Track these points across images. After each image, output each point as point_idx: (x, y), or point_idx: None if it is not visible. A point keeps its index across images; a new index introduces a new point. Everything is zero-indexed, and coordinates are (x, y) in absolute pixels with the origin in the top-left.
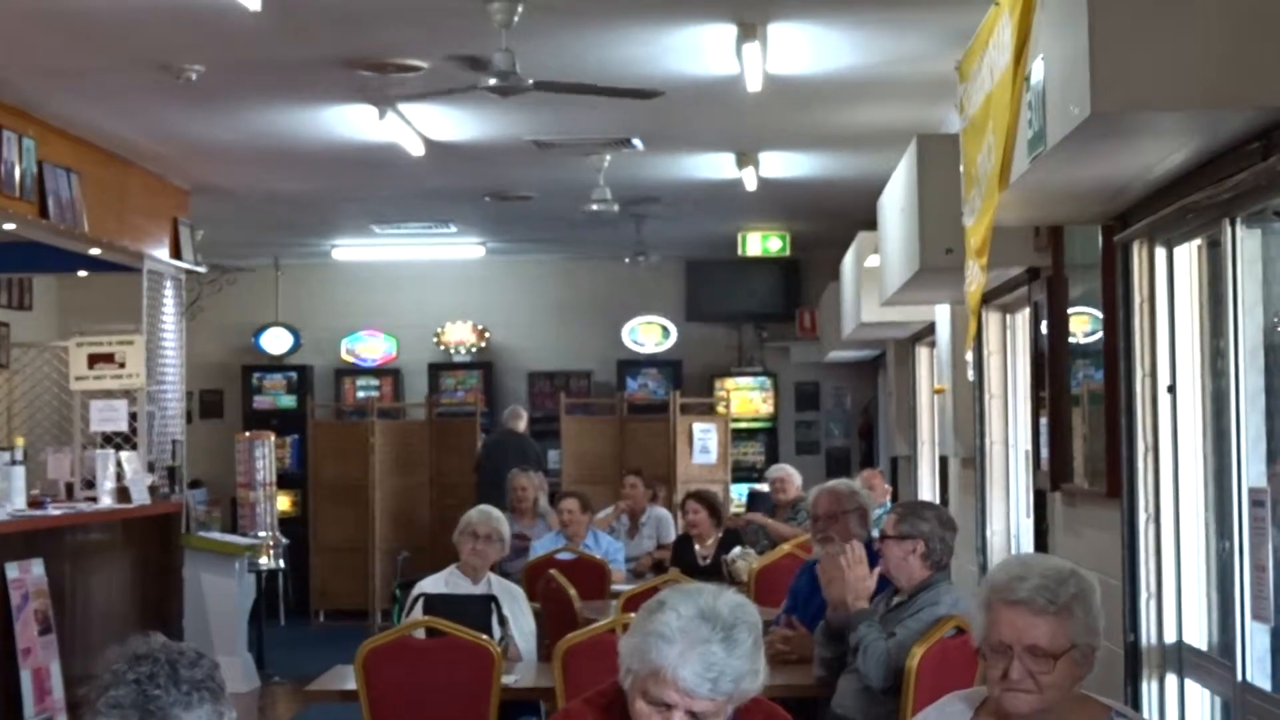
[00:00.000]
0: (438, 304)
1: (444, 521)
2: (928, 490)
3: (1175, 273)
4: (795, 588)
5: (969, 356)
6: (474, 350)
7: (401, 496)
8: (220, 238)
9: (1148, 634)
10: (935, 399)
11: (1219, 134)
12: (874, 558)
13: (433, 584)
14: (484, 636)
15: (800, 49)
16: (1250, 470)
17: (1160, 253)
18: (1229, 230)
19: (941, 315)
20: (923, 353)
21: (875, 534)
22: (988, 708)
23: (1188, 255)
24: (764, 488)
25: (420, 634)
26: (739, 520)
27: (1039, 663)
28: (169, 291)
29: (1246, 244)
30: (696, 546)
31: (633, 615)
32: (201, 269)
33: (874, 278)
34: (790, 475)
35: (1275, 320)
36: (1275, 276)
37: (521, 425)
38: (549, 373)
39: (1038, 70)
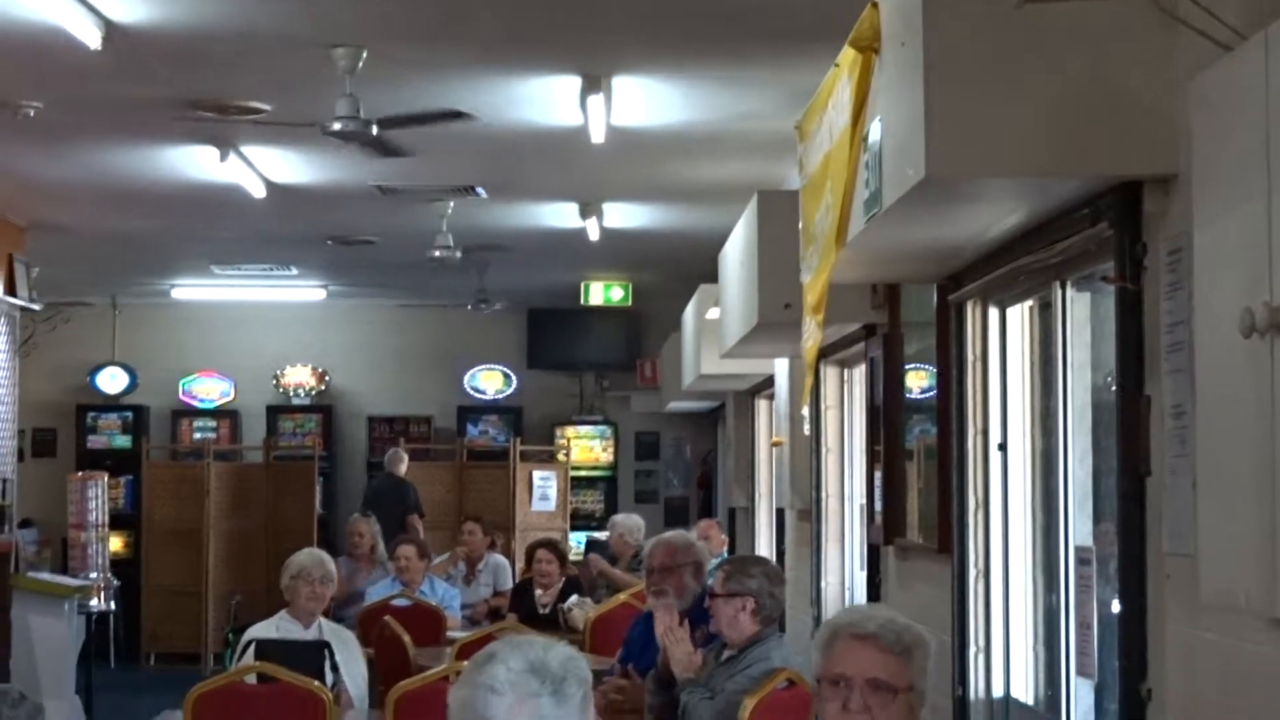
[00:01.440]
0: (278, 346)
1: (279, 567)
2: (765, 541)
3: (1007, 332)
4: (630, 637)
5: (805, 410)
6: (314, 393)
7: (237, 540)
8: (57, 275)
9: (976, 688)
10: (773, 451)
11: (1050, 200)
12: (704, 613)
13: (264, 629)
14: (316, 683)
15: (643, 103)
16: (1077, 528)
17: (993, 313)
18: (1059, 293)
19: (780, 369)
20: (762, 405)
21: (710, 584)
22: None
23: (1020, 316)
24: (602, 536)
25: (252, 680)
26: (585, 569)
27: (878, 696)
28: (2, 328)
29: (1076, 306)
30: (538, 593)
31: (465, 663)
32: (36, 306)
33: (714, 330)
34: (632, 526)
35: (1104, 381)
36: (1103, 338)
37: (402, 469)
38: (389, 417)
39: (875, 131)
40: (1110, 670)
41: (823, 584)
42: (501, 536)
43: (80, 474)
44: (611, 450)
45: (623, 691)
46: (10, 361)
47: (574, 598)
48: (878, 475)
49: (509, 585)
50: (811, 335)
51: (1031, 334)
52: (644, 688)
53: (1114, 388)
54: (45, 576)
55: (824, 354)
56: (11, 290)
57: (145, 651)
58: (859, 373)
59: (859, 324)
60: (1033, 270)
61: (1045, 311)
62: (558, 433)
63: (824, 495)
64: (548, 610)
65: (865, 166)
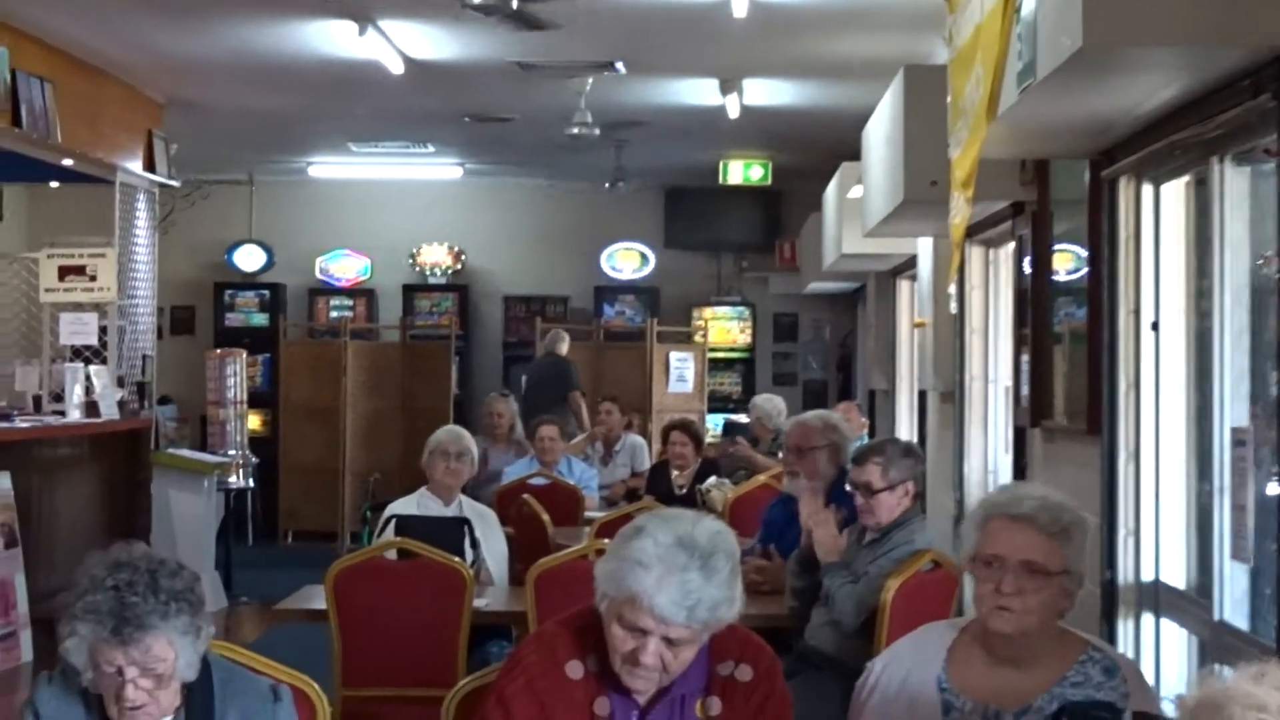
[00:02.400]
0: (414, 225)
1: (415, 446)
2: (905, 425)
3: (1161, 210)
4: (769, 519)
5: (951, 290)
6: (449, 273)
7: (373, 419)
8: (194, 152)
9: (1125, 572)
10: (915, 333)
11: (1210, 70)
12: (845, 494)
13: (404, 505)
14: (456, 559)
15: None
16: (1232, 410)
17: (1147, 189)
18: (1217, 168)
19: (924, 248)
20: (904, 286)
21: (849, 467)
22: (970, 632)
23: (1175, 193)
24: (741, 418)
25: (391, 555)
26: (722, 448)
27: (1032, 579)
28: (141, 205)
29: (1234, 182)
30: (674, 474)
31: (606, 542)
32: (175, 183)
33: (856, 209)
34: (772, 406)
35: (1260, 260)
36: (1262, 216)
37: (564, 349)
38: (525, 297)
39: (1029, 1)
40: (1265, 554)
41: (965, 468)
42: (638, 418)
43: (218, 351)
44: (749, 332)
45: (763, 572)
46: (150, 238)
47: (712, 479)
48: (1024, 357)
49: (645, 466)
50: (959, 212)
51: (1187, 211)
52: (784, 568)
53: (1275, 269)
54: (184, 453)
55: (970, 232)
56: (150, 167)
57: (282, 528)
58: (1005, 252)
59: (1007, 201)
60: (1189, 145)
61: (1201, 188)
62: (695, 314)
63: (968, 378)
64: (684, 491)
65: (1018, 37)
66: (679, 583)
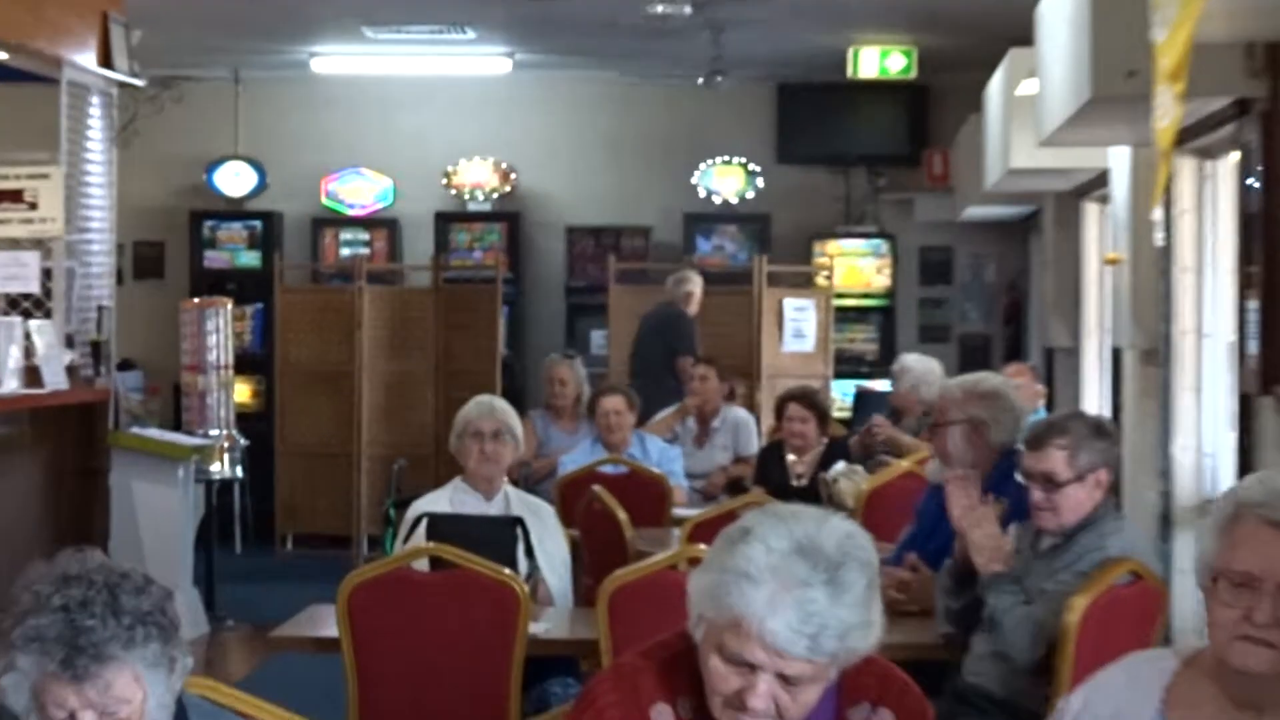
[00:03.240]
0: (449, 135)
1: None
2: (1094, 392)
3: None
4: (919, 512)
5: (1155, 216)
6: (495, 197)
7: (397, 387)
8: (164, 41)
9: None
10: (1107, 272)
11: None
12: (1008, 483)
13: (436, 501)
14: (506, 571)
15: None
16: None
17: None
18: None
19: (1119, 161)
20: (1091, 211)
21: (1019, 447)
22: (1199, 666)
23: None
24: (880, 386)
25: (422, 565)
26: (869, 433)
27: None
28: (96, 110)
29: None
30: (791, 459)
31: (703, 548)
32: (139, 81)
33: (1029, 110)
34: (926, 369)
35: None
36: None
37: (690, 294)
38: (594, 228)
39: None
40: None
41: (1173, 449)
42: (743, 385)
43: (196, 301)
44: (889, 272)
45: (905, 589)
46: (107, 154)
47: (839, 465)
48: (1252, 303)
49: (753, 449)
50: (1167, 112)
51: None
52: (934, 583)
53: None
54: (153, 434)
55: (1181, 139)
56: (107, 61)
57: (281, 532)
58: (1226, 165)
59: (1229, 98)
60: None
61: None
62: (817, 248)
63: (1177, 331)
64: (804, 482)
65: None
66: (798, 602)
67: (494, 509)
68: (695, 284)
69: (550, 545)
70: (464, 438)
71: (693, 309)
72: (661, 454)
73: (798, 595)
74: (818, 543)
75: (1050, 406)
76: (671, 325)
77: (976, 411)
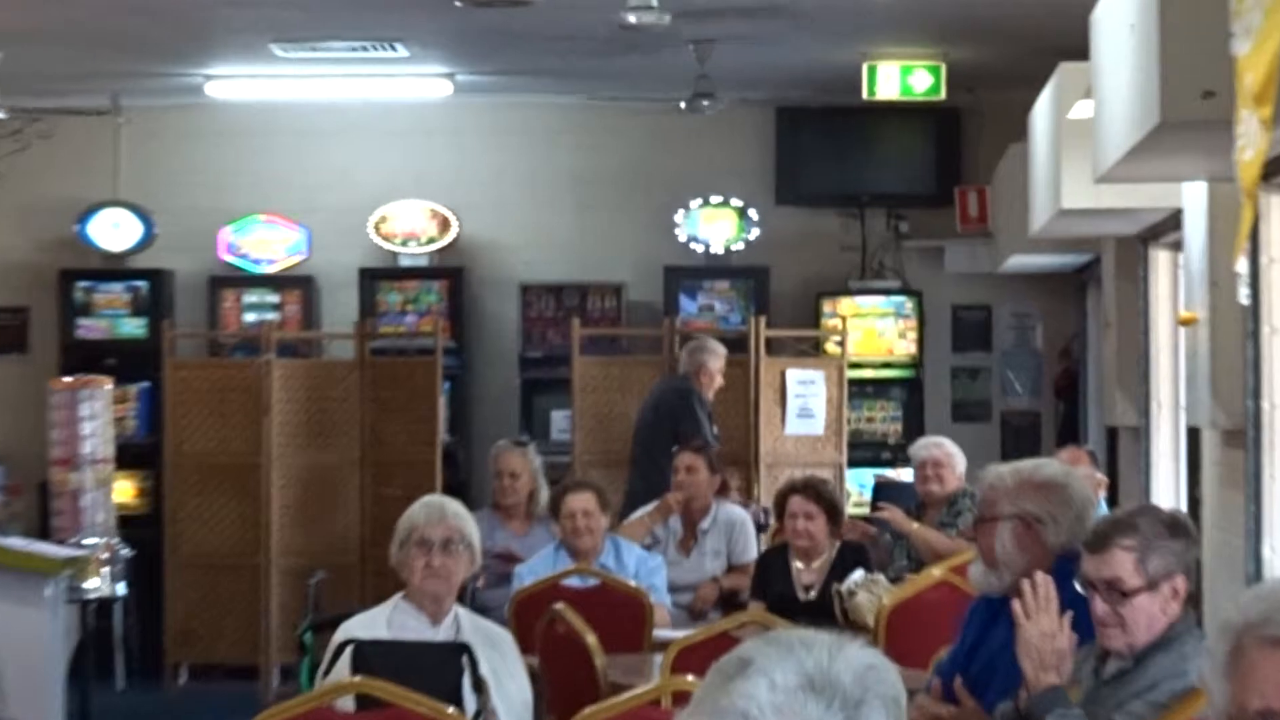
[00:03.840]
0: (376, 173)
1: (383, 523)
2: (1167, 480)
3: None
4: (962, 632)
5: (1239, 267)
6: (434, 249)
7: (315, 483)
8: (30, 64)
9: None
10: (1182, 335)
11: None
12: (1068, 595)
13: (367, 625)
14: (451, 710)
15: None
16: None
17: None
18: None
19: (1194, 199)
20: (1161, 260)
21: (1077, 549)
22: None
23: None
24: (901, 476)
25: (347, 705)
26: (869, 525)
27: None
28: None
29: None
30: (798, 567)
31: (692, 679)
32: None
33: (1084, 138)
34: (949, 455)
35: None
36: None
37: (709, 367)
38: (554, 286)
39: None
40: None
41: (1264, 549)
42: (737, 476)
43: (68, 380)
44: (914, 336)
45: None
46: None
47: (857, 574)
48: None
49: (751, 554)
50: (1251, 141)
51: None
52: (978, 718)
53: None
54: (15, 544)
55: (1268, 173)
56: None
57: (173, 661)
58: None
59: None
60: None
61: None
62: (826, 308)
63: (1267, 405)
64: (814, 594)
65: None
66: None
67: (441, 635)
68: (715, 356)
69: (508, 682)
70: (408, 547)
71: (709, 386)
72: (640, 563)
73: None
74: (832, 676)
75: (1114, 499)
76: (677, 404)
77: (1030, 506)
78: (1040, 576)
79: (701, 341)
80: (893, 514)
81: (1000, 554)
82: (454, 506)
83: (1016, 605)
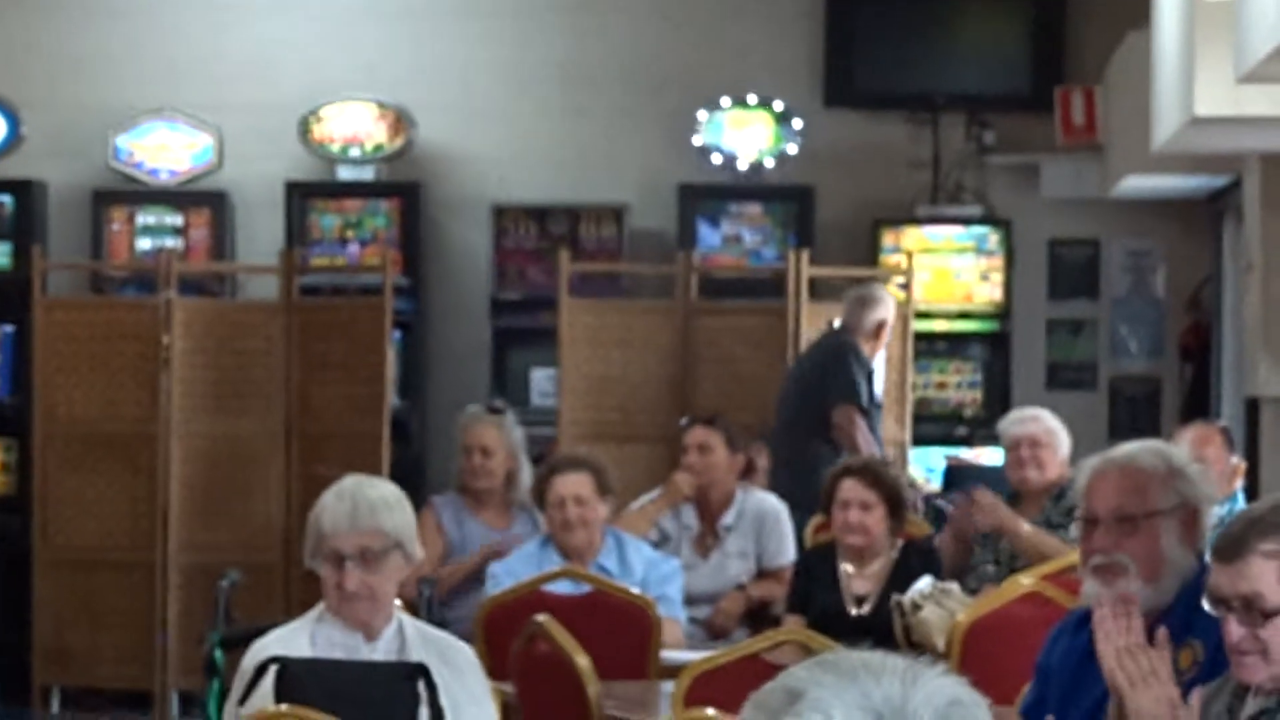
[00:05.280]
0: (309, 62)
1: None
2: None
3: None
4: (1043, 664)
5: None
6: (383, 159)
7: (227, 459)
8: None
9: None
10: None
11: None
12: (1197, 616)
13: (286, 643)
14: None
15: None
16: None
17: None
18: None
19: None
20: None
21: (1205, 559)
22: None
23: None
24: (979, 458)
25: None
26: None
27: None
28: None
29: None
30: (847, 571)
31: (713, 715)
32: None
33: (1224, 25)
34: (1050, 432)
35: None
36: None
37: (869, 319)
38: (537, 208)
39: None
40: None
41: None
42: (769, 457)
43: None
44: (1000, 279)
45: None
46: None
47: (924, 582)
48: None
49: (788, 556)
50: None
51: None
52: None
53: None
54: None
55: None
56: None
57: (42, 684)
58: None
59: None
60: None
61: None
62: (887, 240)
63: None
64: (868, 608)
65: None
66: None
67: (380, 652)
68: (887, 308)
69: (470, 709)
70: (318, 558)
71: (875, 345)
72: (650, 567)
73: None
74: (908, 714)
75: (1253, 490)
76: (830, 362)
77: (1190, 491)
78: (1161, 634)
79: (869, 290)
80: (993, 504)
81: (1170, 556)
82: (371, 497)
83: (1111, 660)
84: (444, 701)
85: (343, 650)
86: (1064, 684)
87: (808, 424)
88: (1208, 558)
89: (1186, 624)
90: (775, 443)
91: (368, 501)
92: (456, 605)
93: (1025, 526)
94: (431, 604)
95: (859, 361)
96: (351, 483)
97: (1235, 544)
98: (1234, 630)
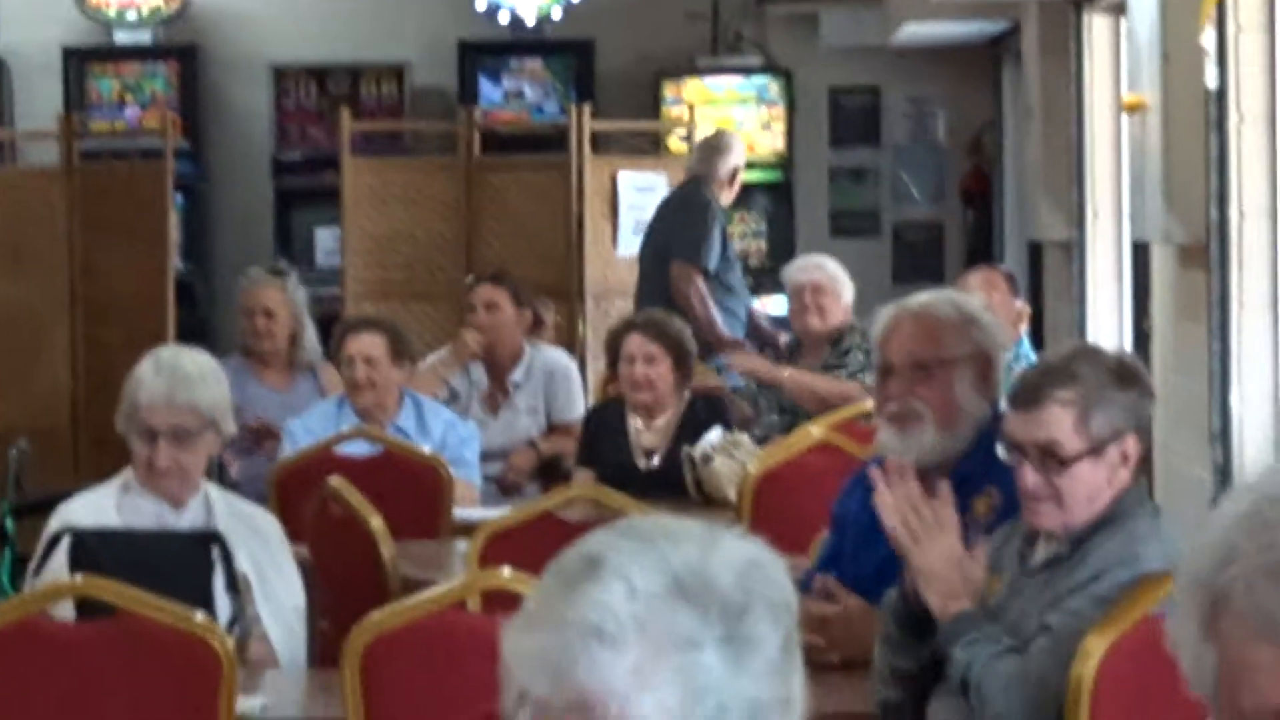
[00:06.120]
0: None
1: (102, 375)
2: (1107, 313)
3: None
4: (839, 514)
5: (1204, 41)
6: (160, 20)
7: (8, 325)
8: None
9: None
10: (1125, 125)
11: None
12: (991, 466)
13: (92, 510)
14: (200, 616)
15: None
16: None
17: None
18: None
19: None
20: (1100, 28)
21: (1002, 408)
22: None
23: None
24: (767, 306)
25: (66, 611)
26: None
27: None
28: None
29: None
30: (636, 425)
31: (509, 574)
32: None
33: None
34: (832, 279)
35: None
36: None
37: (723, 165)
38: (317, 68)
39: None
40: None
41: (1232, 398)
42: (557, 309)
43: None
44: (781, 128)
45: (826, 628)
46: None
47: (713, 434)
48: None
49: (578, 411)
50: None
51: None
52: (866, 615)
53: None
54: None
55: None
56: None
57: None
58: None
59: None
60: None
61: None
62: (669, 92)
63: (1234, 215)
64: (657, 461)
65: None
66: (681, 673)
67: (186, 521)
68: (736, 153)
69: (276, 579)
70: (130, 430)
71: (730, 194)
72: (449, 429)
73: (681, 662)
74: (708, 577)
75: (1038, 336)
76: (674, 215)
77: (982, 343)
78: (944, 486)
79: (719, 137)
80: (748, 362)
81: (965, 403)
82: (190, 372)
83: (892, 521)
84: (247, 568)
85: (150, 519)
86: (860, 535)
87: (654, 284)
88: (1003, 405)
89: (983, 471)
90: (635, 303)
91: (185, 377)
92: (246, 471)
93: (785, 373)
94: (223, 473)
95: (707, 215)
96: (169, 354)
97: (1033, 392)
98: (1029, 477)
